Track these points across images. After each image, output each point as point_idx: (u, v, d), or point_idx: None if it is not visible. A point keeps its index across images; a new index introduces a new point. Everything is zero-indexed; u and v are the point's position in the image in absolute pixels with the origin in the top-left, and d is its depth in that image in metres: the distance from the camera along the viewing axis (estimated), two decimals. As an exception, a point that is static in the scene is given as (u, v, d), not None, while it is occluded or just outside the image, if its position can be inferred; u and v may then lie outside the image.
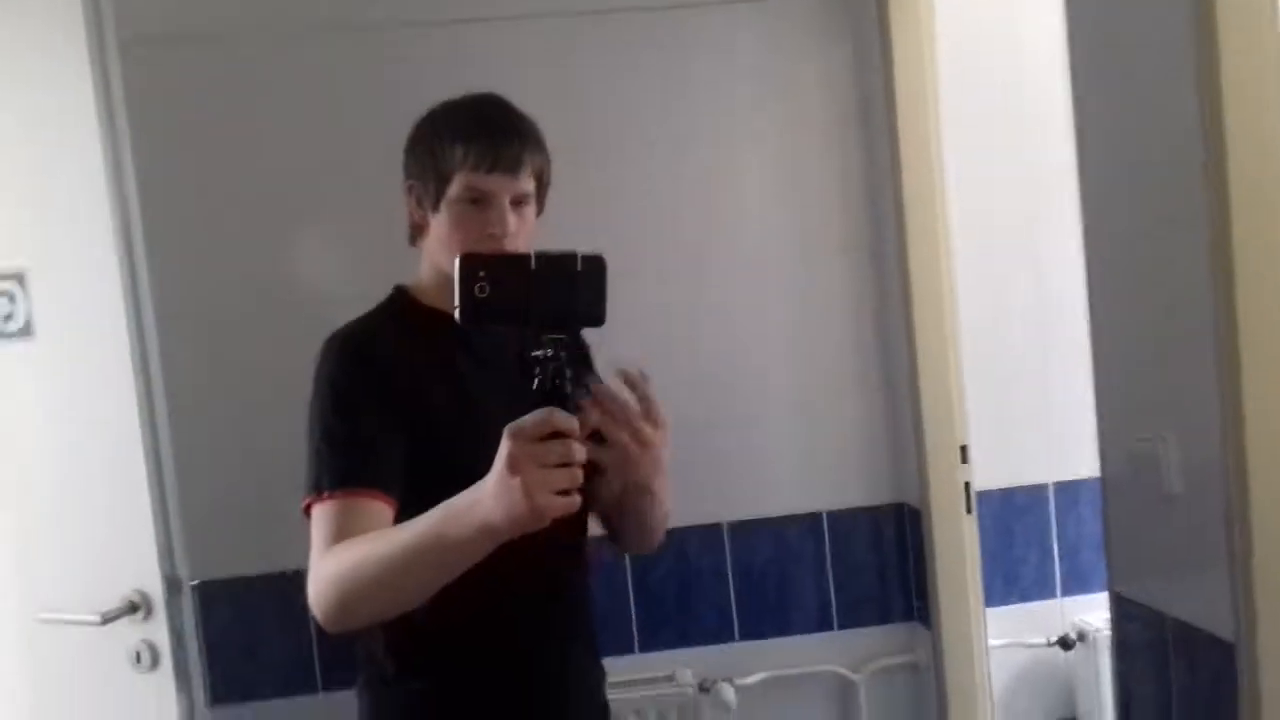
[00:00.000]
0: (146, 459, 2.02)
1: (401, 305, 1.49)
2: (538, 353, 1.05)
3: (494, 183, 1.38)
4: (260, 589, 2.32)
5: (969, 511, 2.36)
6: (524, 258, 1.09)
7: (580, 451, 1.03)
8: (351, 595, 1.22)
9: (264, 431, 2.27)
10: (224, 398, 2.29)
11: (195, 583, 2.13)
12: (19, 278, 2.06)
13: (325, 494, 1.31)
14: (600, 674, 1.62)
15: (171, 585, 2.06)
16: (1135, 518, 1.57)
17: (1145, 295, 1.49)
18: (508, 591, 1.33)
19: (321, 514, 1.30)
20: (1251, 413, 1.28)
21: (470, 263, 1.08)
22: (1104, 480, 1.63)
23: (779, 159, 2.46)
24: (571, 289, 1.07)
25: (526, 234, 1.42)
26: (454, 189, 1.39)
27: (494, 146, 1.38)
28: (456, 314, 1.08)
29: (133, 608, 2.04)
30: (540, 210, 1.48)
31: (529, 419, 1.02)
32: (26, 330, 2.06)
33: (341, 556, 1.23)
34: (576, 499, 1.03)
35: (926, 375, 2.33)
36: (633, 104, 2.40)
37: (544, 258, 1.08)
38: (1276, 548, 1.29)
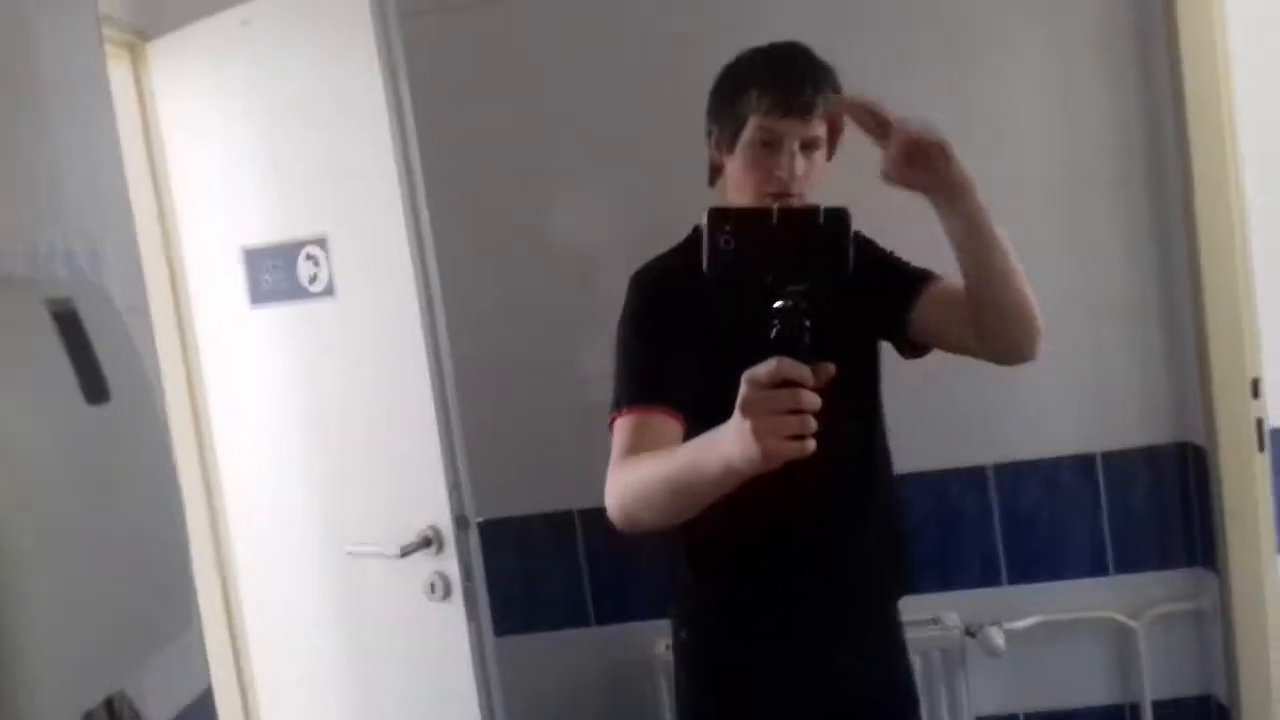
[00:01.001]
0: (436, 408, 2.17)
1: (699, 241, 1.57)
2: (778, 304, 1.08)
3: (785, 126, 1.46)
4: (539, 527, 2.47)
5: (1261, 449, 2.20)
6: (767, 212, 1.14)
7: (811, 399, 1.05)
8: (632, 506, 1.36)
9: (544, 378, 2.43)
10: (505, 347, 2.44)
11: (481, 520, 2.29)
12: (322, 243, 2.26)
13: (624, 410, 1.45)
14: (896, 595, 1.68)
15: (460, 523, 2.21)
16: None
17: None
18: (789, 508, 1.42)
19: (620, 428, 1.45)
20: None
21: (717, 217, 1.14)
22: None
23: (1051, 81, 2.35)
24: (813, 242, 1.11)
25: (817, 176, 1.48)
26: (747, 132, 1.48)
27: (786, 91, 1.45)
28: (704, 264, 1.14)
29: (426, 542, 2.22)
30: (831, 154, 1.52)
31: (762, 367, 1.06)
32: (329, 290, 2.26)
33: (629, 471, 1.38)
34: (810, 443, 1.06)
35: (1213, 303, 2.19)
36: (899, 30, 2.35)
37: (786, 212, 1.13)
38: None
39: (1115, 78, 2.33)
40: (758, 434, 1.06)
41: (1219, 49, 2.12)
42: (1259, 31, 2.18)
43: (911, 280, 1.61)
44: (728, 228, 1.13)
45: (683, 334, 1.48)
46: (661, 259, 1.60)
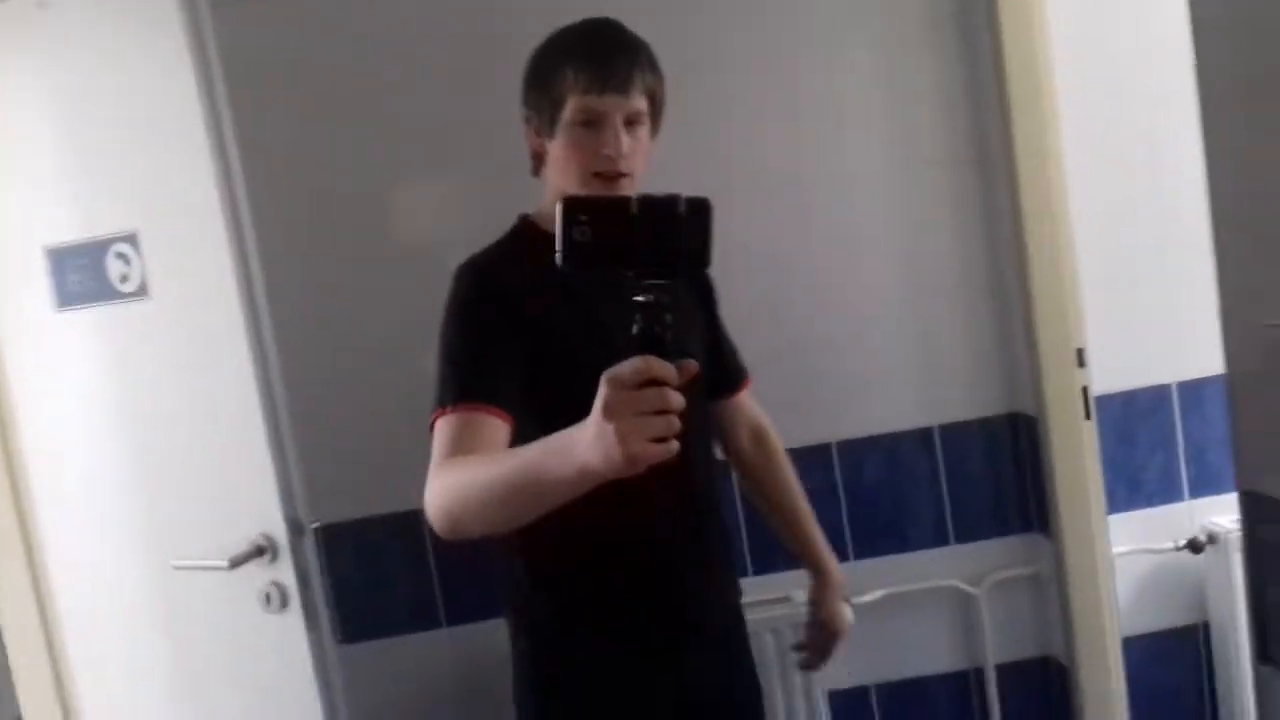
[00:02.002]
0: (264, 409, 2.08)
1: (525, 233, 1.53)
2: (638, 298, 1.03)
3: (606, 103, 1.41)
4: (381, 528, 2.38)
5: (1088, 417, 2.28)
6: (625, 200, 1.06)
7: (677, 399, 1.01)
8: (459, 510, 1.27)
9: (378, 374, 2.34)
10: (336, 342, 2.34)
11: (316, 525, 2.20)
12: (131, 239, 2.12)
13: (448, 408, 1.37)
14: (736, 588, 1.67)
15: (294, 528, 2.12)
16: (1264, 410, 1.50)
17: (1266, 173, 1.41)
18: (637, 508, 1.37)
19: (442, 427, 1.37)
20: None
21: (571, 205, 1.06)
22: (1229, 374, 1.56)
23: (878, 66, 2.38)
24: (674, 233, 1.04)
25: (643, 154, 1.45)
26: (567, 112, 1.43)
27: (603, 67, 1.41)
28: (558, 257, 1.06)
29: (259, 551, 2.12)
30: (655, 131, 1.49)
31: (625, 366, 1.00)
32: (143, 290, 2.13)
33: (454, 472, 1.29)
34: (674, 445, 1.01)
35: (1038, 278, 2.25)
36: (729, 20, 2.33)
37: (646, 201, 1.05)
38: None
39: (940, 62, 2.36)
40: (622, 437, 0.99)
41: (1038, 32, 2.18)
42: (1078, 16, 2.27)
43: (729, 378, 1.78)
44: (583, 217, 1.04)
45: (510, 330, 1.42)
46: (487, 252, 1.54)
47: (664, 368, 1.00)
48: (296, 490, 2.11)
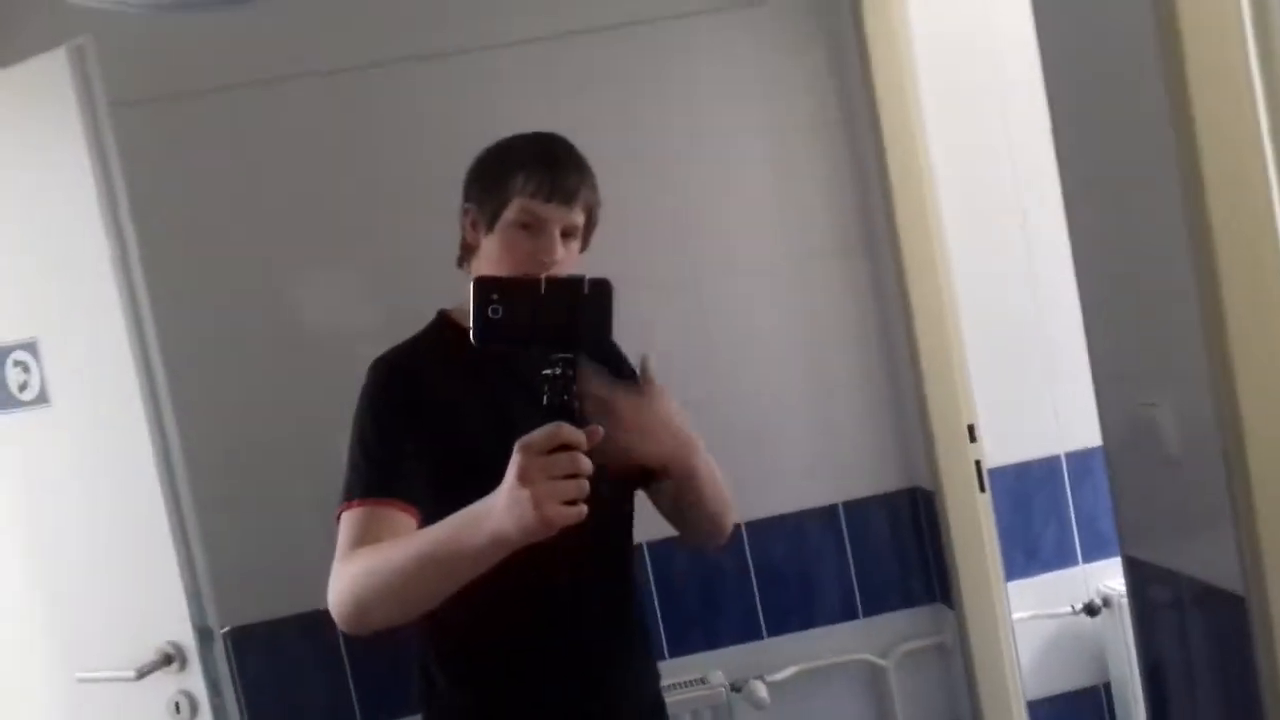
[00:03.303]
0: (169, 511, 2.04)
1: (443, 328, 1.56)
2: (547, 371, 1.11)
3: (549, 211, 1.45)
4: (292, 630, 2.36)
5: (982, 490, 2.38)
6: (534, 281, 1.16)
7: (586, 464, 1.09)
8: (367, 597, 1.29)
9: (284, 473, 2.33)
10: (242, 443, 2.33)
11: (226, 630, 2.16)
12: (31, 347, 2.09)
13: (354, 501, 1.38)
14: (655, 674, 1.68)
15: (203, 635, 2.07)
16: (1140, 482, 1.59)
17: (1129, 263, 1.52)
18: (551, 598, 1.44)
19: (347, 520, 1.38)
20: (1241, 371, 1.30)
21: (484, 285, 1.15)
22: (1106, 448, 1.66)
23: (770, 165, 2.50)
24: (578, 311, 1.13)
25: (570, 266, 1.49)
26: (510, 212, 1.46)
27: (553, 177, 1.45)
28: (471, 334, 1.14)
29: (167, 660, 2.06)
30: (584, 247, 1.54)
31: (538, 433, 1.08)
32: (43, 397, 2.09)
33: (360, 560, 1.31)
34: (583, 509, 1.09)
35: (928, 359, 2.36)
36: (623, 119, 2.44)
37: (553, 282, 1.15)
38: (1276, 502, 1.31)
39: (829, 159, 2.50)
40: (537, 500, 1.07)
41: (917, 130, 2.32)
42: (953, 111, 2.41)
43: None
44: (495, 296, 1.13)
45: (421, 424, 1.44)
46: (403, 345, 1.55)
47: (574, 433, 1.08)
48: (205, 595, 2.07)
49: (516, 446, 1.09)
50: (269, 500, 2.32)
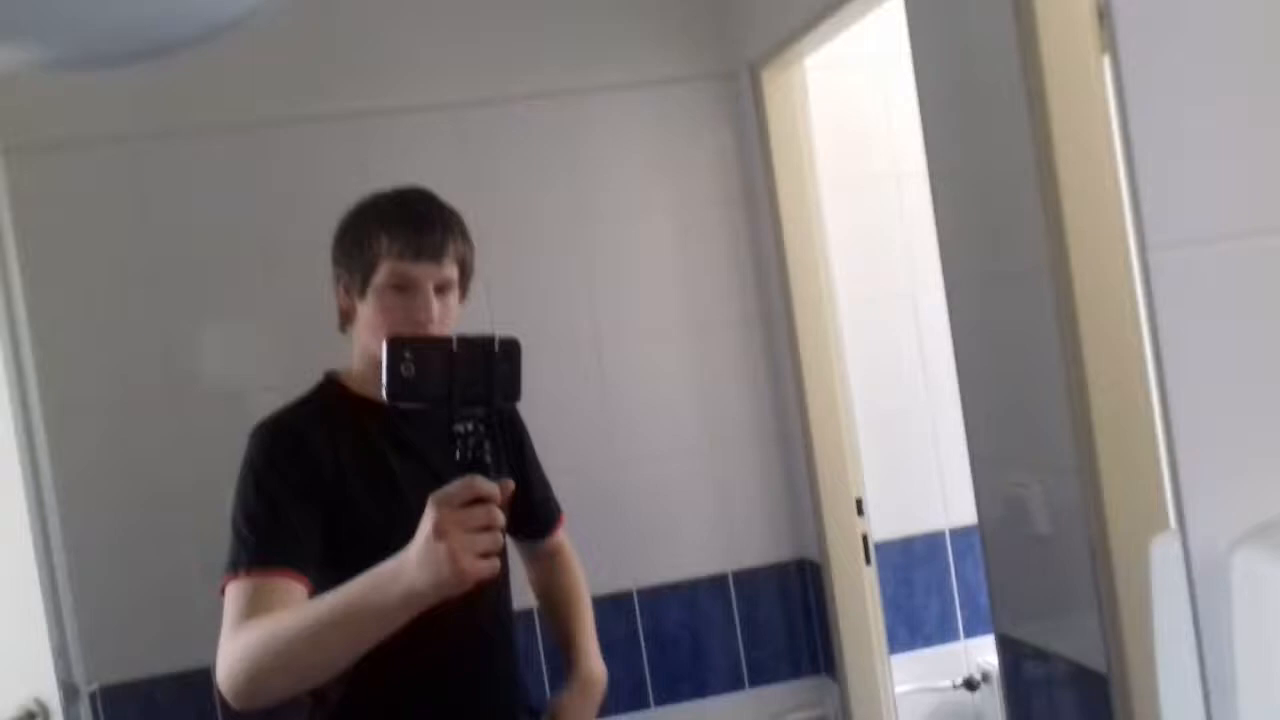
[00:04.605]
0: (37, 559, 1.96)
1: (330, 392, 1.53)
2: (459, 427, 1.12)
3: (418, 270, 1.44)
4: (167, 689, 2.27)
5: (868, 563, 2.43)
6: (446, 340, 1.18)
7: (500, 517, 1.10)
8: (262, 668, 1.24)
9: (163, 526, 2.26)
10: (118, 492, 2.26)
11: (94, 688, 2.08)
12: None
13: (241, 572, 1.34)
14: None
15: (69, 691, 1.99)
16: (1012, 560, 1.65)
17: (1003, 350, 1.59)
18: (435, 661, 1.41)
19: (235, 592, 1.34)
20: (1104, 455, 1.37)
21: (397, 344, 1.16)
22: (981, 526, 1.72)
23: (673, 236, 2.54)
24: (490, 369, 1.15)
25: (452, 319, 1.49)
26: (380, 276, 1.44)
27: (418, 235, 1.44)
28: (383, 392, 1.15)
29: (30, 718, 1.98)
30: (464, 296, 1.54)
31: (453, 486, 1.10)
32: (-91, 437, 2.01)
33: (253, 631, 1.27)
34: (497, 563, 1.10)
35: (818, 432, 2.40)
36: (533, 189, 2.47)
37: (465, 340, 1.17)
38: (1137, 581, 1.37)
39: (729, 232, 2.55)
40: (453, 554, 1.06)
41: (812, 208, 2.39)
42: (846, 190, 2.50)
43: (545, 517, 1.79)
44: (408, 354, 1.14)
45: (307, 491, 1.40)
46: (288, 409, 1.52)
47: (488, 486, 1.10)
48: (72, 649, 1.99)
49: (430, 500, 1.09)
50: (145, 552, 2.25)
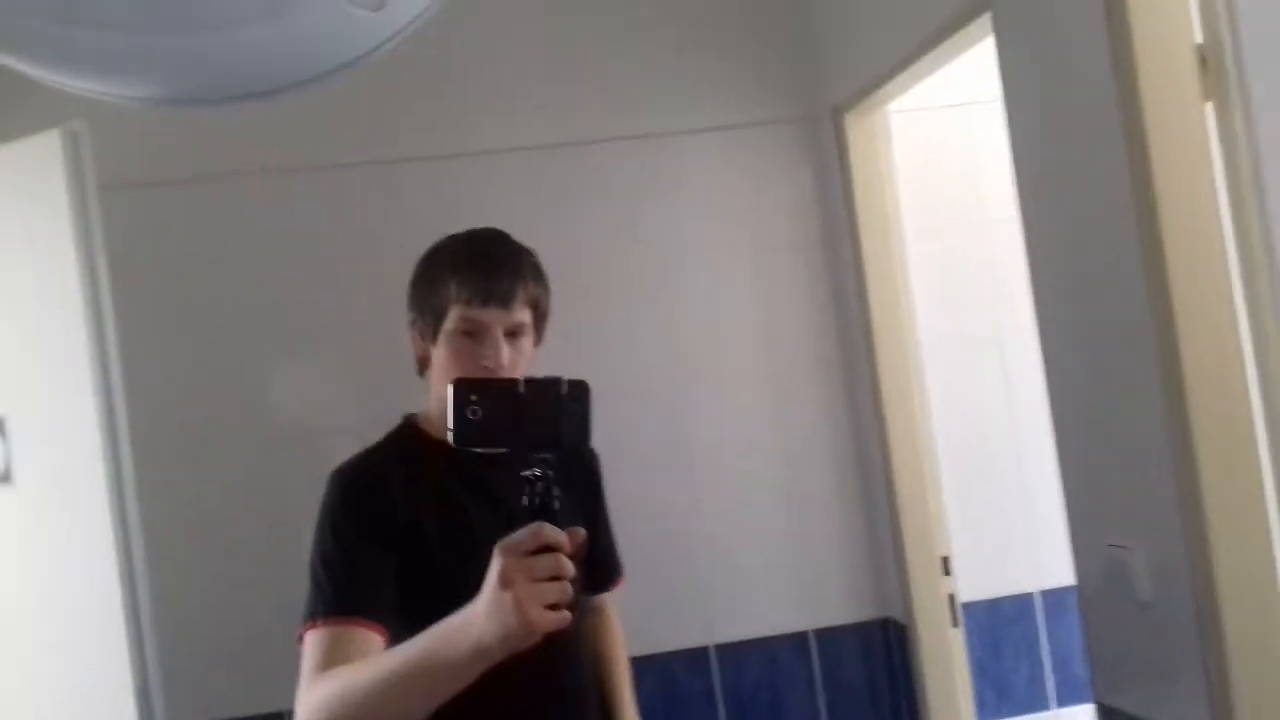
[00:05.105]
0: (125, 605, 1.99)
1: (407, 436, 1.52)
2: (526, 472, 1.08)
3: (487, 315, 1.42)
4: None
5: (955, 624, 2.35)
6: (514, 383, 1.13)
7: (569, 566, 1.04)
8: (341, 717, 1.22)
9: (248, 574, 2.28)
10: (206, 536, 2.29)
11: (175, 729, 2.09)
12: (-1, 424, 2.07)
13: (319, 621, 1.32)
14: None
15: (151, 732, 2.01)
16: (1113, 626, 1.57)
17: (1104, 407, 1.53)
18: (510, 716, 1.35)
19: (313, 641, 1.31)
20: (1213, 517, 1.30)
21: (463, 387, 1.12)
22: (1080, 589, 1.64)
23: (753, 281, 2.52)
24: (558, 412, 1.11)
25: (525, 363, 1.46)
26: (449, 322, 1.43)
27: (486, 280, 1.42)
28: (450, 436, 1.10)
29: (111, 757, 2.00)
30: (539, 340, 1.52)
31: (520, 534, 1.04)
32: (6, 477, 2.06)
33: (331, 682, 1.24)
34: (567, 615, 1.04)
35: (903, 489, 2.34)
36: (612, 229, 2.47)
37: (532, 383, 1.12)
38: (1248, 649, 1.29)
39: (810, 276, 2.52)
40: (519, 604, 1.01)
41: (896, 257, 2.35)
42: (931, 237, 2.46)
43: (603, 574, 1.71)
44: (474, 397, 1.10)
45: (385, 539, 1.39)
46: (366, 455, 1.50)
47: (556, 534, 1.04)
48: (154, 690, 2.01)
49: (497, 548, 1.04)
50: (230, 596, 2.27)
